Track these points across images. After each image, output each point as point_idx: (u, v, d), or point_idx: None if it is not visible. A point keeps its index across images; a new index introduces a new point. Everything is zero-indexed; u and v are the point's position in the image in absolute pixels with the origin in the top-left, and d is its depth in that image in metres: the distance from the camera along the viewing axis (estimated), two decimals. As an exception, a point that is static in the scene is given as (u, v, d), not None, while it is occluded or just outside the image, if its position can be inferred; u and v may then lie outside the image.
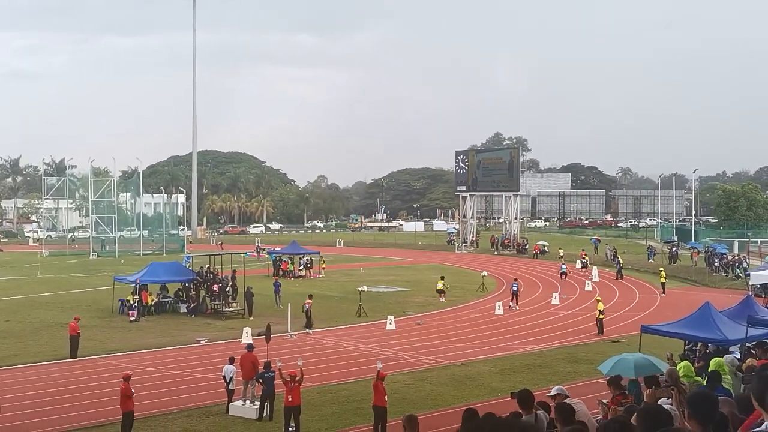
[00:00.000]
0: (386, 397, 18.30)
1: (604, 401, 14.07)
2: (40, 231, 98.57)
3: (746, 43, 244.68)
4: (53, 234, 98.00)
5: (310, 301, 33.84)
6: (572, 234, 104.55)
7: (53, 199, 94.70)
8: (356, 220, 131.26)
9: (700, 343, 20.70)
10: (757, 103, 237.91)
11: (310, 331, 32.49)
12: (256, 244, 77.14)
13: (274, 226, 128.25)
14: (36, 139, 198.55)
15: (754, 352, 17.62)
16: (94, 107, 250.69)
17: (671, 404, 7.86)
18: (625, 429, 4.93)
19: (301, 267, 56.31)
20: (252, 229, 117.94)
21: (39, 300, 42.93)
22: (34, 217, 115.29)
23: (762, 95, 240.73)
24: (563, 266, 46.38)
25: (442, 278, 43.67)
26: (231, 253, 43.50)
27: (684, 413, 5.02)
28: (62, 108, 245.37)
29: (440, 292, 42.22)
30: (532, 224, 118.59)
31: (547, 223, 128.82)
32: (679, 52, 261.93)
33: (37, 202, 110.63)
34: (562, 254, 61.93)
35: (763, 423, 4.63)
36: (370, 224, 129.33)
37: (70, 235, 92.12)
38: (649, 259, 62.41)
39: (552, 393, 11.31)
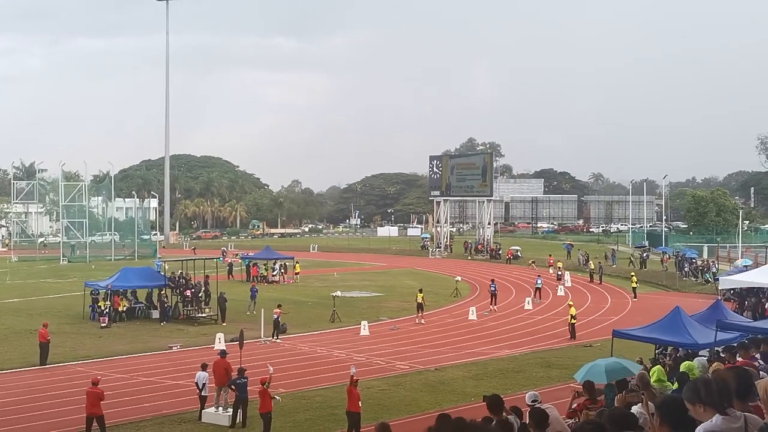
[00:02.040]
0: (360, 402, 18.31)
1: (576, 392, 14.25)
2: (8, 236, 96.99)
3: (718, 52, 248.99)
4: (23, 238, 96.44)
5: (278, 310, 32.76)
6: (545, 239, 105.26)
7: (23, 203, 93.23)
8: (258, 226, 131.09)
9: (670, 348, 20.95)
10: (727, 111, 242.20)
11: (278, 340, 32.07)
12: (223, 248, 77.02)
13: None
14: (5, 142, 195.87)
15: (723, 356, 17.86)
16: (65, 110, 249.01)
17: (641, 408, 7.96)
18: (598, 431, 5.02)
19: (275, 272, 56.12)
20: (233, 236, 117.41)
21: (8, 306, 42.21)
22: (2, 222, 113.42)
23: (732, 104, 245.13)
24: (538, 280, 46.47)
25: (421, 291, 38.28)
26: (204, 258, 43.24)
27: (654, 417, 5.10)
28: (33, 111, 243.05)
29: (420, 307, 37.27)
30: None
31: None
32: (650, 61, 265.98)
33: (6, 206, 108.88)
34: (532, 261, 62.19)
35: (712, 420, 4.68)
36: (272, 231, 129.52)
37: (40, 240, 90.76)
38: (612, 264, 63.01)
39: (529, 402, 11.47)
